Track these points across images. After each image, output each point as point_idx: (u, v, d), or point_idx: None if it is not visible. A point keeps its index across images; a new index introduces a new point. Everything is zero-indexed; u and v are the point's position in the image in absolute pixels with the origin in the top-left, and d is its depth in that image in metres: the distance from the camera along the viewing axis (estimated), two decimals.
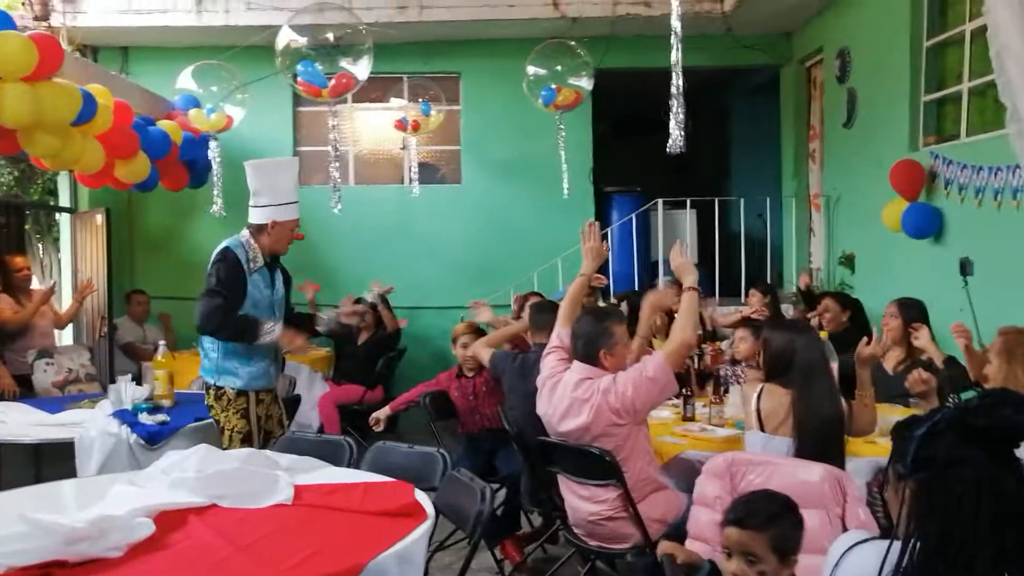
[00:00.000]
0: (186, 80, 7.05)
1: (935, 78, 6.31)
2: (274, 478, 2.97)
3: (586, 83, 7.27)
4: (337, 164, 6.69)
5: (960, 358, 4.09)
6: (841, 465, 3.18)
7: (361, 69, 6.39)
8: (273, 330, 3.97)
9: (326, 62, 6.35)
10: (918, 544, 1.50)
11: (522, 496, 4.45)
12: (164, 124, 6.99)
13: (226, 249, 3.96)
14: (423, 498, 2.91)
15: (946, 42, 6.19)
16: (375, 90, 8.38)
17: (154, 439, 4.30)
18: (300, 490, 2.95)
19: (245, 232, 4.06)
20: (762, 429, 3.32)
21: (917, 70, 6.35)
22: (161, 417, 4.47)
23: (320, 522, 2.70)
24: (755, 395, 3.38)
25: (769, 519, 2.26)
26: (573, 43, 7.29)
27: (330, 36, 6.38)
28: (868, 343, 3.56)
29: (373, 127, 9.18)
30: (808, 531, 2.37)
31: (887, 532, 1.78)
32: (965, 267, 5.34)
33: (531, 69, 7.25)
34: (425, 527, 2.67)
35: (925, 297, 5.05)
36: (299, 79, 6.40)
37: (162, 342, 5.32)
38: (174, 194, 7.81)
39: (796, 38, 8.71)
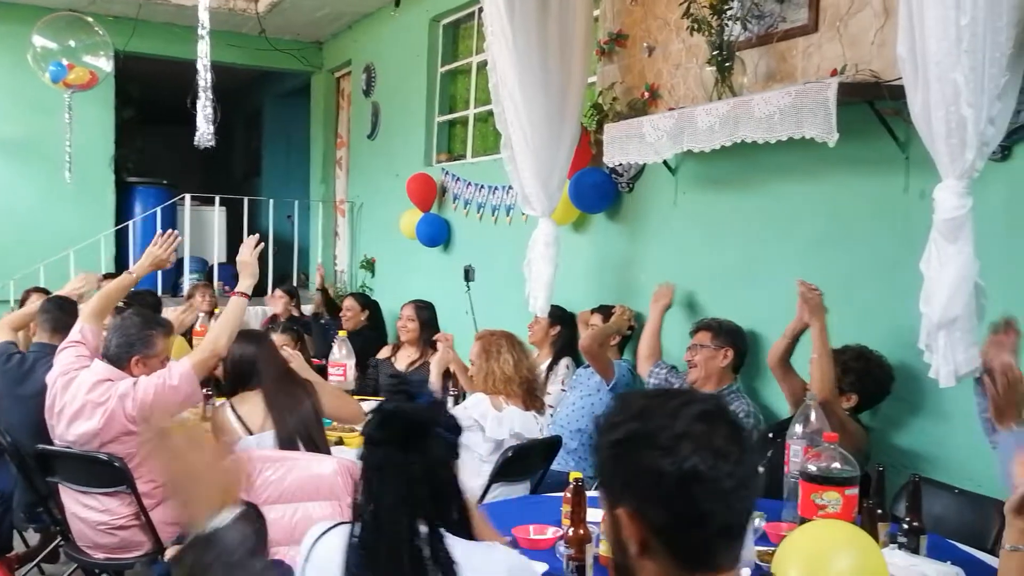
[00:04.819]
0: None
1: (447, 102, 6.97)
2: None
3: (105, 64, 6.78)
4: None
5: None
6: (327, 451, 3.39)
7: None
8: None
9: None
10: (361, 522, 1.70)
11: (15, 513, 4.02)
12: None
13: None
14: None
15: (457, 70, 6.89)
16: None
17: None
18: None
19: None
20: (249, 432, 3.35)
21: (432, 93, 6.96)
22: None
23: None
24: (228, 410, 3.34)
25: None
26: (91, 19, 6.75)
27: None
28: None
29: None
30: (320, 519, 2.51)
31: None
32: (468, 273, 5.98)
33: (38, 40, 6.55)
34: None
35: (435, 299, 5.56)
36: None
37: None
38: None
39: (327, 48, 8.99)
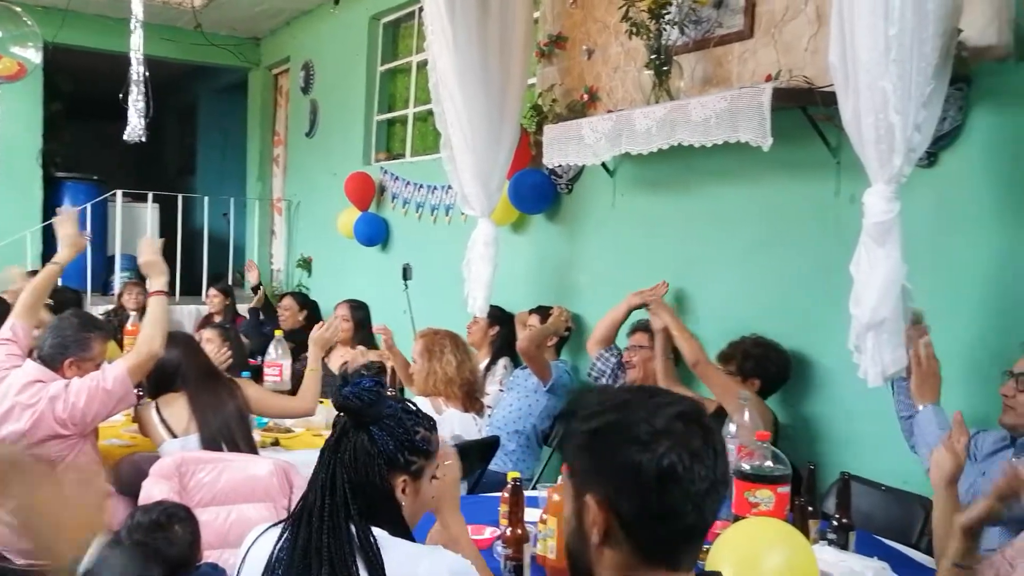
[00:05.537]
0: None
1: (387, 101, 6.93)
2: None
3: (33, 55, 6.59)
4: None
5: None
6: (254, 451, 3.37)
7: None
8: None
9: None
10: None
11: None
12: None
13: None
14: None
15: (396, 69, 6.85)
16: None
17: None
18: None
19: None
20: (173, 435, 3.29)
21: (372, 91, 6.91)
22: None
23: None
24: (153, 411, 3.33)
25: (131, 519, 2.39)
26: (19, 9, 6.55)
27: None
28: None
29: None
30: (255, 521, 2.48)
31: None
32: (406, 272, 5.94)
33: None
34: None
35: (373, 299, 5.51)
36: None
37: None
38: None
39: (264, 45, 8.87)
